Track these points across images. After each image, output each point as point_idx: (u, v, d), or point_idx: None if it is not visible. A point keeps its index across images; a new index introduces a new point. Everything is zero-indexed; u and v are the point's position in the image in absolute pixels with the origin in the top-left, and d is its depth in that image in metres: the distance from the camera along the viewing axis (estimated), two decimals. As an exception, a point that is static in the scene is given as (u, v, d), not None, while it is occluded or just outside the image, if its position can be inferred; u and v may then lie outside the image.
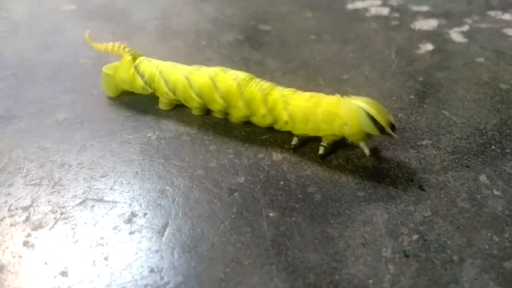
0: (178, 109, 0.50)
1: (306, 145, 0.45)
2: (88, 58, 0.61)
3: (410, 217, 0.37)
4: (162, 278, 0.32)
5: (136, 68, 0.49)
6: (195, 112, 0.49)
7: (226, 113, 0.48)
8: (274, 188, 0.40)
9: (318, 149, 0.43)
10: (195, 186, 0.40)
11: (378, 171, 0.42)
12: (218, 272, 0.33)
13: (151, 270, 0.33)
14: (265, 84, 0.45)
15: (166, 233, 0.36)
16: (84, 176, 0.41)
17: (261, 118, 0.45)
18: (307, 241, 0.35)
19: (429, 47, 0.64)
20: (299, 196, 0.39)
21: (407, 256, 0.34)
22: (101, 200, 0.39)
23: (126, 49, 0.50)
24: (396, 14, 0.74)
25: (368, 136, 0.42)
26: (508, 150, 0.44)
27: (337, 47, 0.64)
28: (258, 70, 0.58)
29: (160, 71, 0.48)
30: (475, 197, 0.39)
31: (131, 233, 0.36)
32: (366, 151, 0.42)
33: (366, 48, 0.64)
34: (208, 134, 0.47)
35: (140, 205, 0.38)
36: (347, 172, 0.42)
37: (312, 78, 0.56)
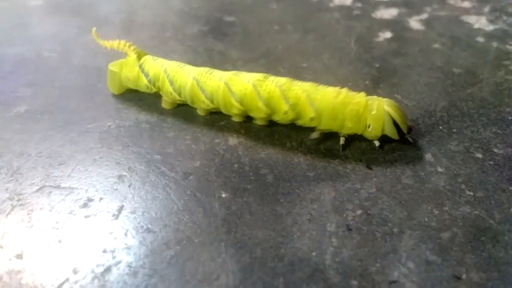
0: (139, 98, 0.51)
1: (262, 130, 0.46)
2: (52, 52, 0.61)
3: (356, 194, 0.39)
4: (114, 258, 0.34)
5: (140, 66, 0.49)
6: (201, 112, 0.48)
7: (245, 116, 0.47)
8: (228, 170, 0.41)
9: (312, 138, 0.45)
10: (151, 171, 0.41)
11: (329, 152, 0.43)
12: (169, 250, 0.34)
13: (104, 251, 0.34)
14: (282, 80, 0.44)
15: (121, 216, 0.37)
16: (43, 165, 0.42)
17: (283, 115, 0.44)
18: (256, 219, 0.37)
19: (388, 35, 0.66)
20: (252, 177, 0.41)
21: (350, 229, 0.36)
22: (58, 187, 0.40)
23: (132, 47, 0.50)
24: (359, 4, 0.76)
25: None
26: (454, 130, 0.46)
27: (299, 36, 0.66)
28: (220, 60, 0.59)
29: (165, 71, 0.47)
30: (419, 174, 0.41)
31: (86, 217, 0.37)
32: (377, 143, 0.43)
33: (326, 37, 0.65)
34: (167, 121, 0.48)
35: (97, 191, 0.39)
36: (299, 154, 0.43)
37: (272, 67, 0.58)
